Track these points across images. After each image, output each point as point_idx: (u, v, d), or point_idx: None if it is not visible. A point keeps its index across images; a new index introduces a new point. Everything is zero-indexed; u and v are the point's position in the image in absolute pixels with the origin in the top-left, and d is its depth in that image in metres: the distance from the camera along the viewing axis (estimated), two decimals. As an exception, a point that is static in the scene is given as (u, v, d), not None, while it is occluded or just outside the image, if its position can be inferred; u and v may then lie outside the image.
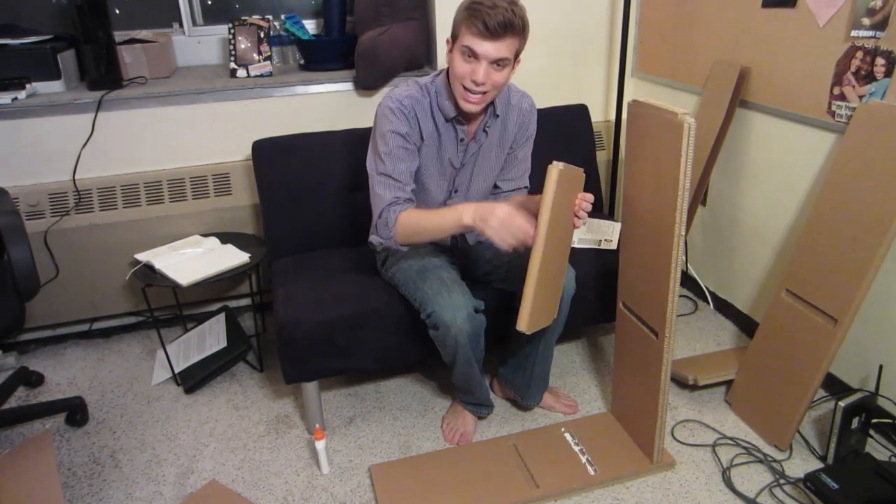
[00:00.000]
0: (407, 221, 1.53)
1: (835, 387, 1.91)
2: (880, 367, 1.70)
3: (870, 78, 1.65)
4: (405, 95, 1.57)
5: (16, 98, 2.02)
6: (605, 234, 2.14)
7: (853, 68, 1.69)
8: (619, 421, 1.86)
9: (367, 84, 2.26)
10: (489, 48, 1.42)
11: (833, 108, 1.77)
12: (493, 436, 1.85)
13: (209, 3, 2.53)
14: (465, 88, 1.48)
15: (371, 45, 2.17)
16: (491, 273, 1.80)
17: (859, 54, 1.66)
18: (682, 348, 2.23)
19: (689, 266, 2.53)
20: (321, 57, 2.38)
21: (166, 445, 1.85)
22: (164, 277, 1.94)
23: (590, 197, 1.49)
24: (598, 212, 2.30)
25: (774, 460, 1.72)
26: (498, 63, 1.45)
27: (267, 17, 2.36)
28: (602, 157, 2.62)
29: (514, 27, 1.41)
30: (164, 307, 2.35)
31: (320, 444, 1.68)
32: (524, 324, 1.39)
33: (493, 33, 1.39)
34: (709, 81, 2.17)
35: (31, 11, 2.36)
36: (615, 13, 2.50)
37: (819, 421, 1.86)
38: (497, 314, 1.75)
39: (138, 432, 1.91)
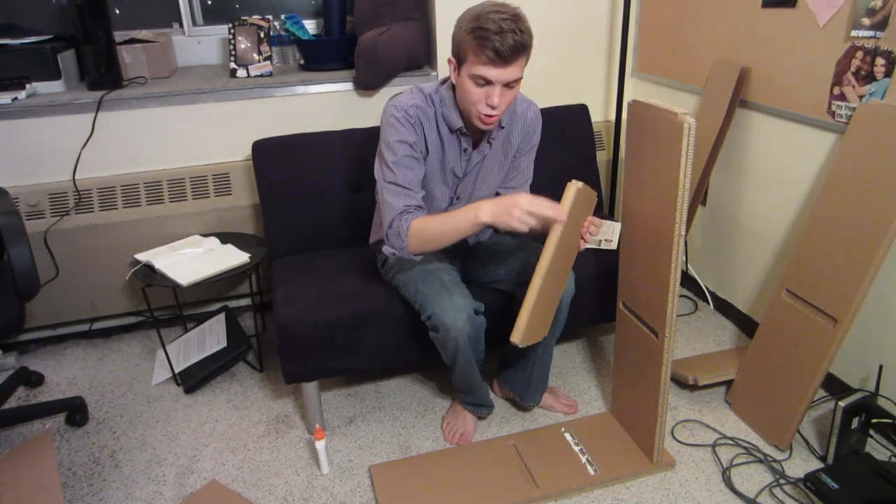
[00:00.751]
0: (420, 229, 1.50)
1: (835, 387, 1.91)
2: (880, 367, 1.70)
3: (870, 78, 1.65)
4: (411, 104, 1.53)
5: (16, 98, 2.02)
6: (605, 234, 2.14)
7: (853, 68, 1.69)
8: (619, 421, 1.86)
9: (367, 84, 2.26)
10: (502, 74, 1.38)
11: (833, 108, 1.77)
12: (493, 436, 1.85)
13: (209, 3, 2.53)
14: (480, 112, 1.45)
15: (371, 45, 2.17)
16: (491, 275, 1.80)
17: (859, 54, 1.66)
18: (682, 348, 2.23)
19: (689, 266, 2.53)
20: (321, 57, 2.38)
21: (166, 445, 1.85)
22: (164, 277, 1.94)
23: (598, 222, 1.52)
24: (598, 212, 2.30)
25: (774, 460, 1.72)
26: (511, 84, 1.42)
27: (267, 17, 2.36)
28: (602, 157, 2.62)
29: (524, 48, 1.37)
30: (164, 307, 2.36)
31: (320, 444, 1.68)
32: (518, 337, 1.39)
33: (505, 59, 1.36)
34: (709, 81, 2.17)
35: (31, 11, 2.36)
36: (615, 13, 2.50)
37: (819, 421, 1.86)
38: (497, 316, 1.75)
39: (138, 432, 1.91)
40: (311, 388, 1.81)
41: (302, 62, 2.46)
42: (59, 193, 2.13)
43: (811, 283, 1.69)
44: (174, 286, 1.91)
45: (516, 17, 1.36)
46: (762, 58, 1.98)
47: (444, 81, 1.58)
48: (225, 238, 2.17)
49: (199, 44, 2.54)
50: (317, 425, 1.69)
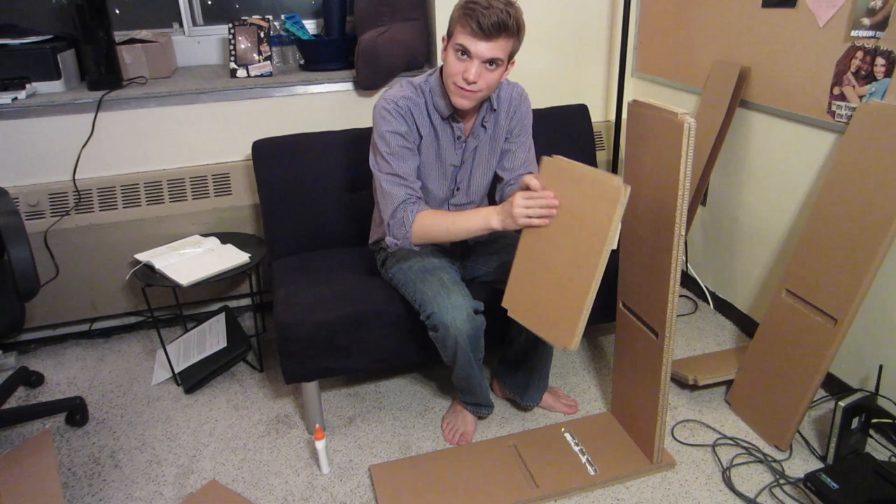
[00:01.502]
0: (427, 225, 1.54)
1: (835, 387, 1.91)
2: (880, 367, 1.70)
3: (870, 78, 1.65)
4: (400, 96, 1.57)
5: (16, 98, 2.02)
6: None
7: (853, 68, 1.69)
8: (619, 421, 1.86)
9: (367, 84, 2.26)
10: (482, 48, 1.42)
11: (833, 108, 1.77)
12: (493, 436, 1.85)
13: (209, 3, 2.53)
14: (457, 85, 1.49)
15: (371, 45, 2.17)
16: (491, 274, 1.80)
17: (859, 54, 1.66)
18: (682, 348, 2.23)
19: (689, 266, 2.53)
20: (321, 57, 2.38)
21: (166, 445, 1.85)
22: (164, 277, 1.94)
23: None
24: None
25: (774, 460, 1.72)
26: (490, 63, 1.45)
27: (267, 17, 2.36)
28: (602, 157, 2.62)
29: (507, 28, 1.41)
30: (164, 307, 2.36)
31: (320, 444, 1.68)
32: (574, 341, 1.34)
33: (486, 33, 1.40)
34: (709, 81, 2.17)
35: (31, 11, 2.36)
36: (615, 13, 2.50)
37: (819, 421, 1.86)
38: (497, 315, 1.74)
39: (138, 432, 1.91)
40: (311, 388, 1.81)
41: (302, 62, 2.46)
42: (59, 193, 2.13)
43: (811, 283, 1.69)
44: (174, 286, 1.91)
45: (509, 3, 1.43)
46: (762, 58, 1.98)
47: (434, 72, 1.61)
48: (225, 238, 2.17)
49: (199, 44, 2.54)
50: (317, 425, 1.69)
